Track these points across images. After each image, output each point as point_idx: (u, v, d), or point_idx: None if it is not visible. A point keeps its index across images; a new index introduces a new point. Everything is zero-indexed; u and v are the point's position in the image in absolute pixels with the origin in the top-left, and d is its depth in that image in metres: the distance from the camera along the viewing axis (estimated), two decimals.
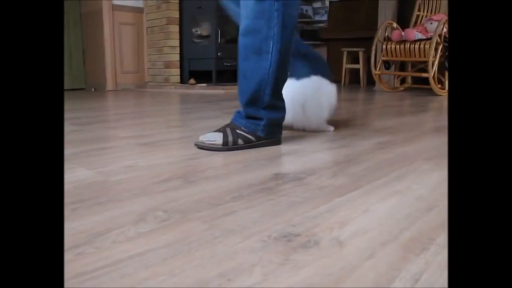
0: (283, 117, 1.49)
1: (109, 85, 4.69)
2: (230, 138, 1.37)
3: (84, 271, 0.57)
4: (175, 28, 4.73)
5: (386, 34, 4.17)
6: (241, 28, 1.38)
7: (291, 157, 1.28)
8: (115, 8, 4.73)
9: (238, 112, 1.48)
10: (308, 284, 0.54)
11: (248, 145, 1.40)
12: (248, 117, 1.43)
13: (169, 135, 1.66)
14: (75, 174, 1.06)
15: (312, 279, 0.55)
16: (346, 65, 5.55)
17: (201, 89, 4.46)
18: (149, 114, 2.40)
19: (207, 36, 4.78)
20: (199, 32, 4.78)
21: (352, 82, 5.74)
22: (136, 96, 3.89)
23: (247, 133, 1.41)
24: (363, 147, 1.43)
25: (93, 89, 4.80)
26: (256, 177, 1.04)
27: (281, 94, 1.46)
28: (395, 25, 4.18)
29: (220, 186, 0.97)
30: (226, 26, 4.94)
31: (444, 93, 3.83)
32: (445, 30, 3.71)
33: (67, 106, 2.77)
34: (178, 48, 4.79)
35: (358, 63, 5.44)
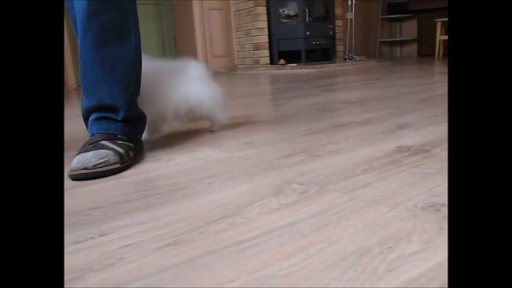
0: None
1: None
2: (122, 151, 1.02)
3: (242, 239, 0.60)
4: (262, 10, 4.75)
5: None
6: (85, 8, 1.00)
7: (405, 130, 1.24)
8: None
9: (100, 118, 1.07)
10: None
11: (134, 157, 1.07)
12: (126, 120, 1.08)
13: (274, 113, 1.68)
14: (200, 152, 1.11)
15: None
16: (440, 37, 5.27)
17: (292, 69, 4.46)
18: (246, 95, 2.45)
19: (295, 16, 4.75)
20: (286, 12, 4.77)
21: (446, 55, 5.44)
22: (228, 79, 3.98)
23: (128, 142, 1.06)
24: None
25: None
26: (380, 150, 1.02)
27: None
28: None
29: (346, 159, 0.96)
30: (314, 4, 4.88)
31: None
32: None
33: None
34: (266, 30, 4.81)
35: None
